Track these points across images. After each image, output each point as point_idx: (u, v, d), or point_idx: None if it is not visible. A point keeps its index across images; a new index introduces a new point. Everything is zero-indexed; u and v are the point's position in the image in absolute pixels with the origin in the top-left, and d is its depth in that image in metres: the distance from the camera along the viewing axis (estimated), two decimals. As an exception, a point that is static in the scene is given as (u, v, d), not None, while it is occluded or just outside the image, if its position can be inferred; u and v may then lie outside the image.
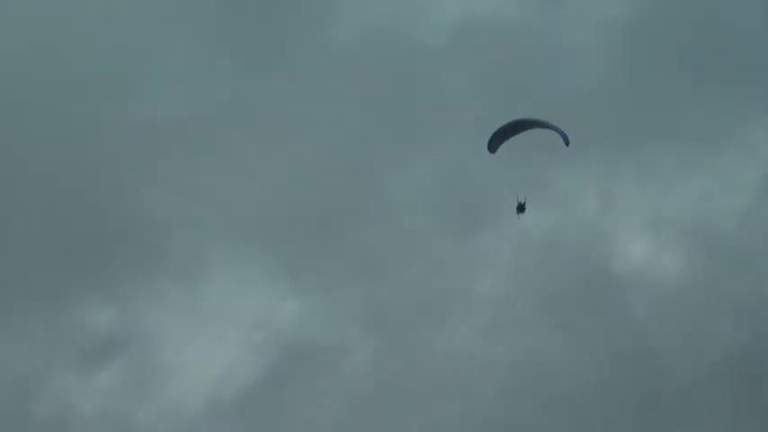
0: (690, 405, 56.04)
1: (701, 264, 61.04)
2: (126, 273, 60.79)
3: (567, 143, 44.12)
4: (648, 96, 65.73)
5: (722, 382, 56.30)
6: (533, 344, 58.43)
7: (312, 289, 61.10)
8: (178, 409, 56.91)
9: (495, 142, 44.84)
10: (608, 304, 59.69)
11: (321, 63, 64.96)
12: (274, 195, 62.13)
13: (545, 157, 45.79)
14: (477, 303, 60.06)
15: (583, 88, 65.05)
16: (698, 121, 65.77)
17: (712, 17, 68.22)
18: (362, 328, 59.75)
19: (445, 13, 67.45)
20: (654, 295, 59.73)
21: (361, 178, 61.29)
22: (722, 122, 65.77)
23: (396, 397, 56.80)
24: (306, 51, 65.83)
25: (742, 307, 58.99)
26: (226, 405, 57.30)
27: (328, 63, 64.91)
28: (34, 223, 60.77)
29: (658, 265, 61.26)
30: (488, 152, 45.08)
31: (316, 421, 56.28)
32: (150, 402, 57.53)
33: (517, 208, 46.66)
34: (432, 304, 60.20)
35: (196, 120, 63.55)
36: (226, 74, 65.30)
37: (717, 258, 61.38)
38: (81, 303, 59.82)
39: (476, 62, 65.87)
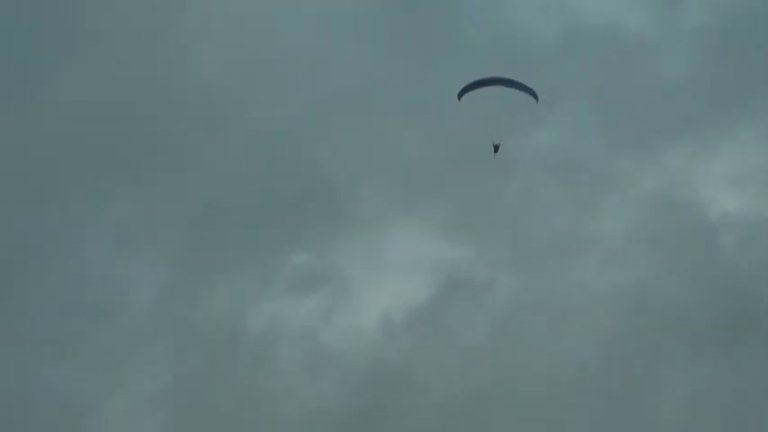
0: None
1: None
2: (319, 225, 72.07)
3: (537, 99, 47.34)
4: (733, 84, 74.81)
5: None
6: (646, 276, 67.88)
7: (466, 235, 70.55)
8: (360, 328, 67.41)
9: (464, 91, 47.69)
10: (705, 245, 68.87)
11: (456, 57, 75.57)
12: (430, 159, 72.39)
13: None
14: (600, 245, 69.74)
15: (679, 79, 74.89)
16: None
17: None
18: (506, 268, 69.45)
19: (558, 17, 78.53)
20: (741, 235, 68.56)
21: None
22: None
23: (532, 320, 66.03)
24: (444, 47, 76.97)
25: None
26: (396, 326, 67.13)
27: (461, 58, 75.43)
28: (248, 192, 72.28)
29: (744, 211, 69.92)
30: (456, 99, 48.01)
31: (467, 339, 65.86)
32: (338, 323, 68.42)
33: (494, 149, 50.21)
34: (564, 247, 69.77)
35: (365, 95, 74.42)
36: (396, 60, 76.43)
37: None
38: (287, 250, 70.94)
39: (585, 59, 75.84)
